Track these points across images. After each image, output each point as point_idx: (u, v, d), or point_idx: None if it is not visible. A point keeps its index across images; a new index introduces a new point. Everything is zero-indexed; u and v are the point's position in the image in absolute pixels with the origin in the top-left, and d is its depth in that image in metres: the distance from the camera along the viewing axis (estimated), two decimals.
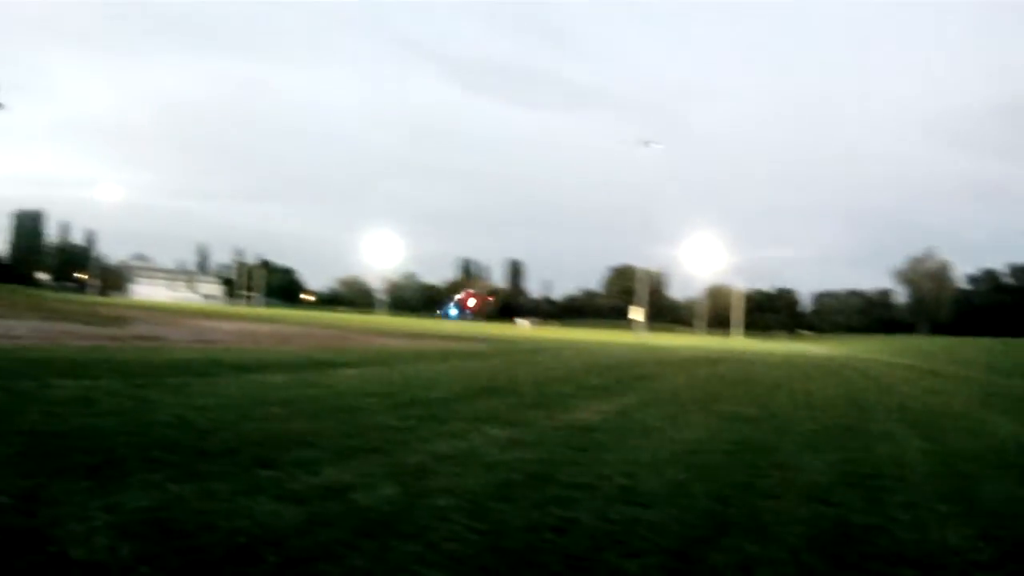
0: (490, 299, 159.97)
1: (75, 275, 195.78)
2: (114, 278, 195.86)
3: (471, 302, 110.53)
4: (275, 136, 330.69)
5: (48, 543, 4.88)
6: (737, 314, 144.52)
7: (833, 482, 8.61)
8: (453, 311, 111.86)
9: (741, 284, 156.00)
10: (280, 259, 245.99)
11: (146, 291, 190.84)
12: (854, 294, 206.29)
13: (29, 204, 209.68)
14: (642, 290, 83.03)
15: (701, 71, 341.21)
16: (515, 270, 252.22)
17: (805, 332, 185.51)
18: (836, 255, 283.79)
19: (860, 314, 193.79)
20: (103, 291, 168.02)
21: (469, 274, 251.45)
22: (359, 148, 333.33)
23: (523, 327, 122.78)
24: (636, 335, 75.71)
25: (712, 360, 41.09)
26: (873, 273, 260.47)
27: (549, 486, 7.41)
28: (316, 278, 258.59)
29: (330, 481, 7.03)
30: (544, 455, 9.06)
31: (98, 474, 6.58)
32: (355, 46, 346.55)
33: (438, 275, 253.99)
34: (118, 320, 41.68)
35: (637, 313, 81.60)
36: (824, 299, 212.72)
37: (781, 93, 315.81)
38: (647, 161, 73.68)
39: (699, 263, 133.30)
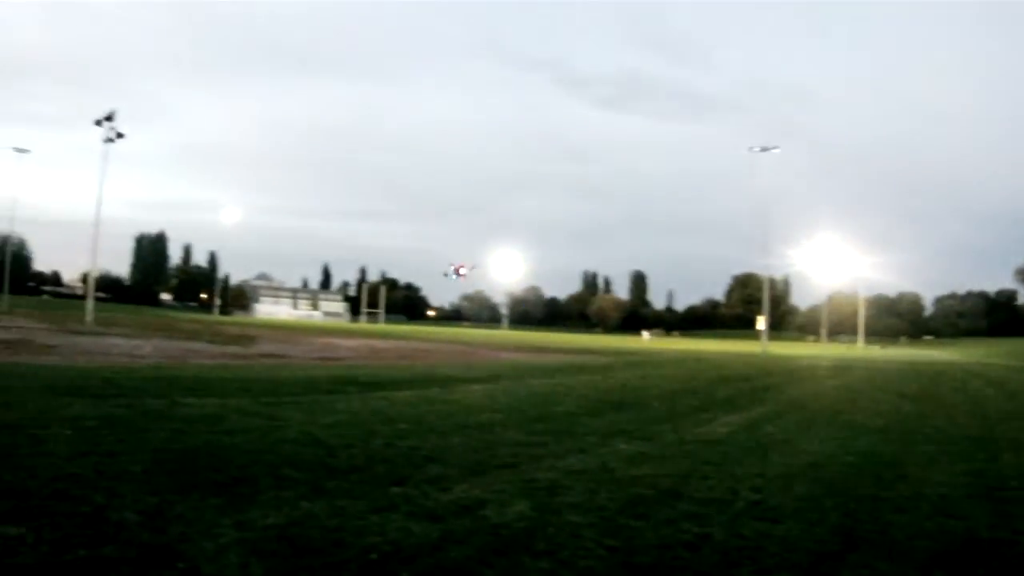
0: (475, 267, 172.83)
1: (198, 295, 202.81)
2: (237, 297, 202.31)
3: (462, 271, 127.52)
4: (396, 156, 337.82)
5: (178, 559, 5.01)
6: (860, 320, 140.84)
7: (960, 495, 8.43)
8: (453, 276, 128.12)
9: (863, 289, 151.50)
10: (403, 276, 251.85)
11: (269, 310, 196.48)
12: (976, 295, 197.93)
13: (151, 228, 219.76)
14: (764, 298, 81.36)
15: (818, 75, 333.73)
16: (639, 281, 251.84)
17: (928, 337, 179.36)
18: (956, 255, 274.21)
19: (982, 316, 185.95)
20: (226, 310, 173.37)
21: (594, 287, 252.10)
22: (481, 165, 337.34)
23: (645, 339, 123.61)
24: (760, 345, 74.40)
25: (836, 369, 40.53)
26: (995, 273, 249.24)
27: (680, 501, 7.42)
28: (440, 294, 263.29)
29: (461, 498, 7.10)
30: (674, 470, 9.05)
31: (228, 491, 6.75)
32: (473, 65, 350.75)
33: (562, 289, 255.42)
34: (242, 338, 42.96)
35: (761, 322, 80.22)
36: (945, 301, 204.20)
37: (897, 94, 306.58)
38: (766, 167, 73.01)
39: (820, 269, 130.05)
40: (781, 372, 34.72)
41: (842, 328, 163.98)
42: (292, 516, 6.11)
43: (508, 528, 6.21)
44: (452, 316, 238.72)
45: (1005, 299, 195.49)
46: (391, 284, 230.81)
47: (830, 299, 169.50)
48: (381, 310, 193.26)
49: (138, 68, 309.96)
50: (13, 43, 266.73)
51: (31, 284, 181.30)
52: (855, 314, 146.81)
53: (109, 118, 52.29)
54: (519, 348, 51.51)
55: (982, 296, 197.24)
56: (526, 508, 6.82)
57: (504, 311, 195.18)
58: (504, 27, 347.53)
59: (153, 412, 11.35)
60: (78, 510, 5.92)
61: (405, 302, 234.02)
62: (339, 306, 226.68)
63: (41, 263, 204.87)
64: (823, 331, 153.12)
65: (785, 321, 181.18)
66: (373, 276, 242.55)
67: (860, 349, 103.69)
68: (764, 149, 74.57)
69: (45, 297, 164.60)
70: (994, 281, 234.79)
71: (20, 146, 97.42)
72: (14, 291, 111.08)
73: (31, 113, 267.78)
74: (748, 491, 7.96)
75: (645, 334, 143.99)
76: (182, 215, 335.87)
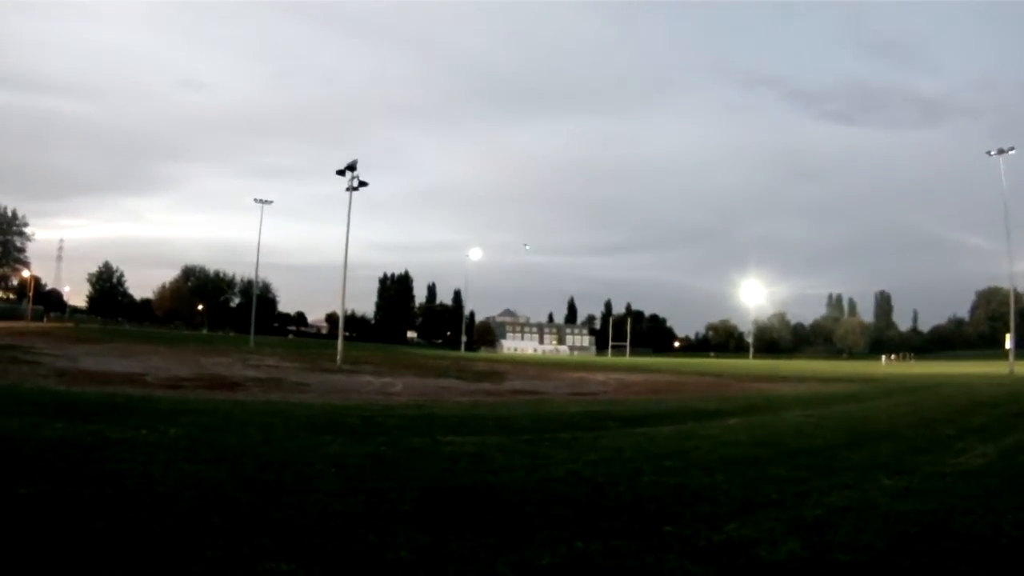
0: None
1: (444, 332, 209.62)
2: (483, 333, 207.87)
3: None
4: (632, 187, 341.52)
5: None
6: None
7: None
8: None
9: None
10: (648, 307, 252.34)
11: (515, 345, 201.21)
12: None
13: (393, 269, 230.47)
14: (1011, 314, 76.00)
15: None
16: (883, 302, 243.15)
17: None
18: None
19: None
20: (472, 346, 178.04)
21: (839, 309, 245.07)
22: (716, 191, 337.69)
23: (883, 364, 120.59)
24: (1006, 365, 69.63)
25: None
26: None
27: (946, 539, 7.21)
28: (686, 324, 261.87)
29: (733, 536, 7.08)
30: (936, 505, 8.80)
31: (500, 530, 6.96)
32: (700, 90, 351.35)
33: (808, 313, 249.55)
34: (492, 375, 44.02)
35: (1008, 340, 74.89)
36: None
37: None
38: (1005, 170, 68.91)
39: None
40: None
41: None
42: (569, 556, 6.24)
43: (783, 568, 6.19)
44: (697, 346, 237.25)
45: None
46: (636, 316, 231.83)
47: None
48: (627, 342, 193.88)
49: (375, 120, 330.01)
50: (274, 106, 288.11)
51: (276, 324, 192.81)
52: None
53: (352, 167, 55.07)
54: (768, 378, 50.62)
55: None
56: (797, 547, 6.76)
57: (749, 339, 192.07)
58: (726, 49, 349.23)
59: (416, 450, 11.86)
60: (351, 548, 6.23)
61: (651, 333, 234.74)
62: (585, 339, 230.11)
63: (286, 304, 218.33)
64: None
65: None
66: (618, 308, 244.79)
67: None
68: (1001, 151, 71.55)
69: (291, 336, 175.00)
70: None
71: (263, 197, 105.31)
72: (260, 331, 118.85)
73: (275, 166, 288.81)
74: (1011, 527, 7.70)
75: (884, 359, 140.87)
76: (423, 256, 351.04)
